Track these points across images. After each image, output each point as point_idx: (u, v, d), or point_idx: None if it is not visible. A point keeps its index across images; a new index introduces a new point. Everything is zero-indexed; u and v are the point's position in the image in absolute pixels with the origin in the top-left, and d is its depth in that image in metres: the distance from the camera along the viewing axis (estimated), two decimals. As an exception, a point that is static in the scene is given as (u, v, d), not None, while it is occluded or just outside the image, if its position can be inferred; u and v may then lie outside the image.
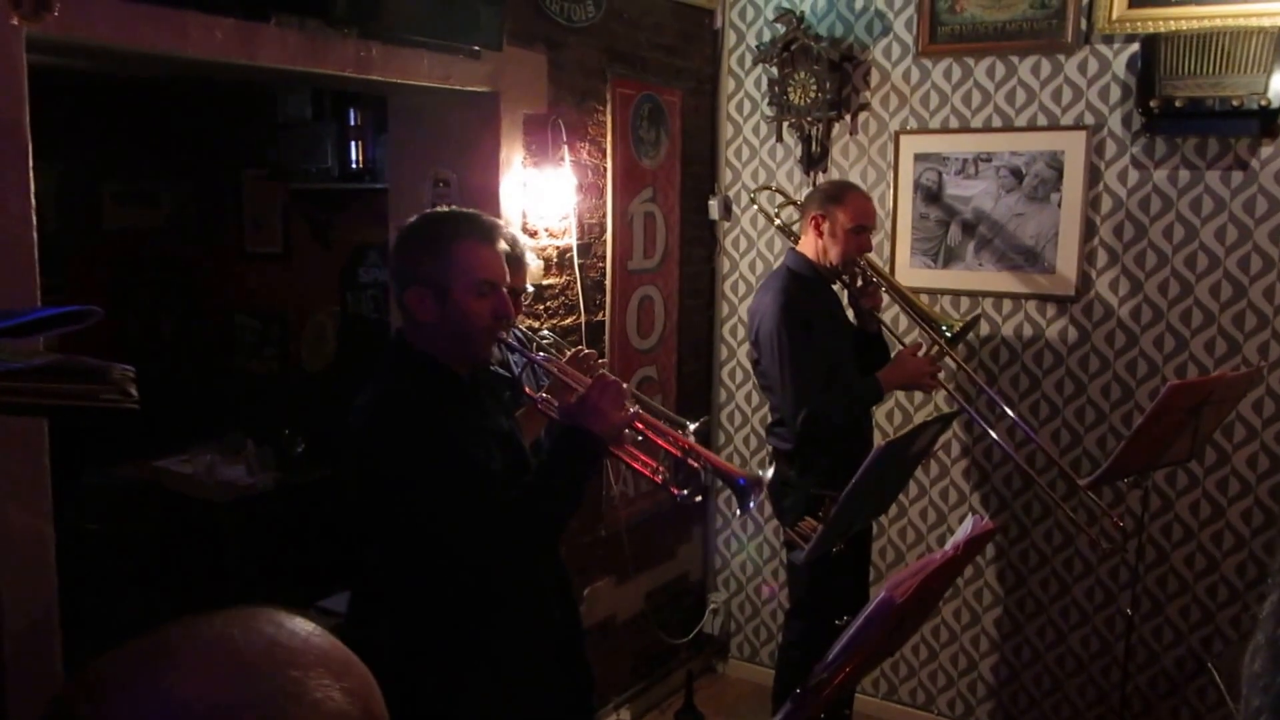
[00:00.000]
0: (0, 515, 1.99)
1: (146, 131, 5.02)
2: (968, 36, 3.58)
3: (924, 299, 3.43)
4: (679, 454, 2.18)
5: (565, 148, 3.30)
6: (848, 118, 3.82)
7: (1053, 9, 3.43)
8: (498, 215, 2.98)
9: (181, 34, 2.23)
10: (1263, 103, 3.01)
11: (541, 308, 3.31)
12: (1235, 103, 3.03)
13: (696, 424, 2.28)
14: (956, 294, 3.70)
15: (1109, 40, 3.37)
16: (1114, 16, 3.32)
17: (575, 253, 3.42)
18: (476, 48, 2.94)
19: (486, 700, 2.04)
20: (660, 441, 2.17)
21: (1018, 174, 3.55)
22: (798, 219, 3.39)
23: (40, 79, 2.05)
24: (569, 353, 2.52)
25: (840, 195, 3.19)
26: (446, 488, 1.93)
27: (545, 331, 3.10)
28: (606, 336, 3.61)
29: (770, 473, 2.30)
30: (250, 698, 0.62)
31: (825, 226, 3.17)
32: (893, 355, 3.29)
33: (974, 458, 3.75)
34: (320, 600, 3.63)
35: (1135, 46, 3.28)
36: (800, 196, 3.61)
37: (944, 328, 3.21)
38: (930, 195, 3.70)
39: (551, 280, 3.36)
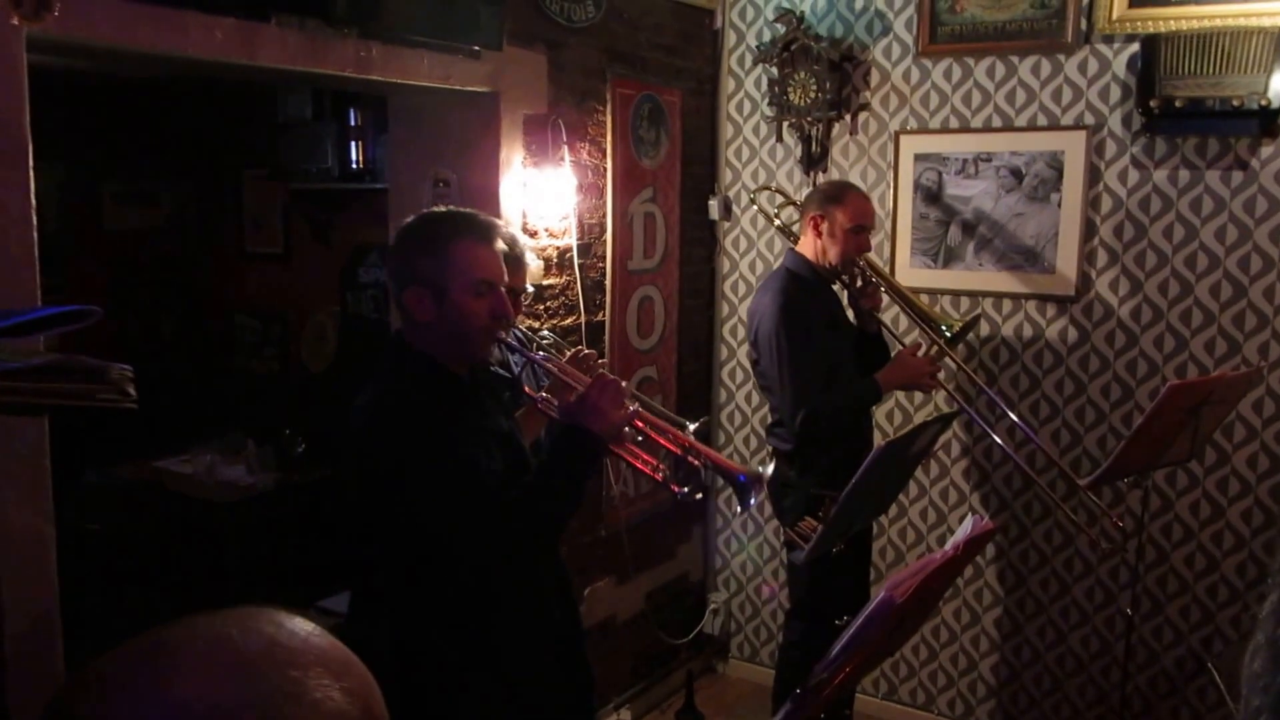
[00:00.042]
0: (1, 515, 1.99)
1: (146, 131, 5.02)
2: (968, 36, 3.58)
3: (924, 299, 3.43)
4: (679, 452, 2.18)
5: (565, 148, 3.30)
6: (848, 118, 3.82)
7: (1053, 9, 3.43)
8: (498, 215, 2.98)
9: (181, 34, 2.23)
10: (1263, 103, 3.01)
11: (541, 308, 3.31)
12: (1235, 103, 3.03)
13: (696, 424, 2.28)
14: (956, 294, 3.70)
15: (1109, 40, 3.37)
16: (1114, 16, 3.32)
17: (575, 253, 3.42)
18: (476, 48, 2.94)
19: (487, 700, 2.04)
20: (660, 440, 2.17)
21: (1018, 174, 3.55)
22: (798, 219, 3.39)
23: (40, 79, 2.05)
24: (569, 353, 2.52)
25: (839, 195, 3.19)
26: (446, 488, 1.93)
27: (545, 332, 3.10)
28: (606, 337, 3.61)
29: (770, 469, 2.30)
30: (250, 697, 0.62)
31: (824, 227, 3.17)
32: (893, 355, 3.29)
33: (974, 458, 3.75)
34: (320, 600, 3.63)
35: (1135, 46, 3.28)
36: (800, 197, 3.61)
37: (944, 328, 3.21)
38: (930, 195, 3.70)
39: (551, 280, 3.36)
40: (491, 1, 2.88)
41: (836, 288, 3.31)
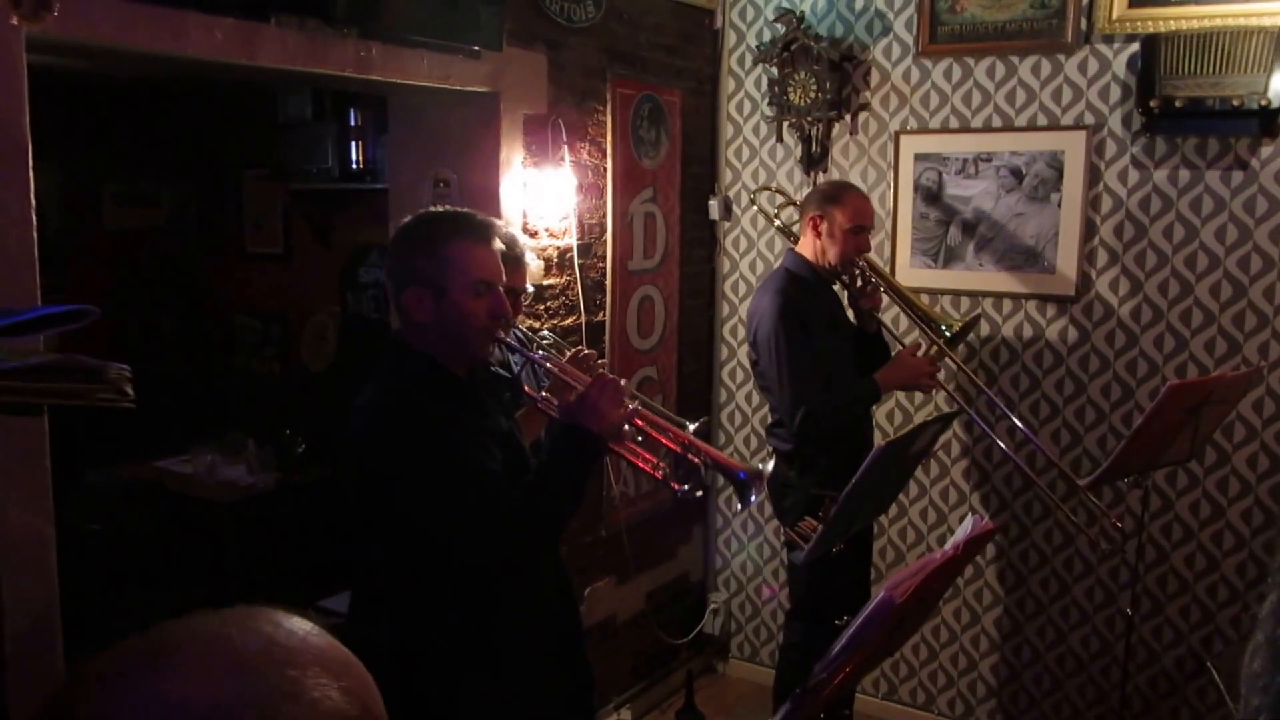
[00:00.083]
0: (1, 515, 1.99)
1: (146, 131, 5.02)
2: (968, 36, 3.58)
3: (924, 299, 3.43)
4: (679, 450, 2.18)
5: (565, 148, 3.31)
6: (848, 118, 3.82)
7: (1053, 9, 3.43)
8: (498, 215, 2.98)
9: (181, 34, 2.24)
10: (1263, 102, 3.01)
11: (542, 308, 3.31)
12: (1235, 103, 3.03)
13: (696, 424, 2.28)
14: (956, 294, 3.70)
15: (1109, 40, 3.37)
16: (1114, 16, 3.32)
17: (575, 253, 3.42)
18: (476, 48, 2.94)
19: (487, 700, 2.04)
20: (660, 438, 2.18)
21: (1018, 174, 3.55)
22: (798, 219, 3.39)
23: (40, 79, 2.05)
24: (569, 353, 2.52)
25: (838, 196, 3.19)
26: (446, 488, 1.93)
27: (545, 332, 3.10)
28: (607, 337, 3.61)
29: (770, 466, 2.30)
30: (248, 697, 0.62)
31: (823, 227, 3.17)
32: (893, 355, 3.29)
33: (974, 458, 3.75)
34: (320, 600, 3.63)
35: (1135, 46, 3.28)
36: (800, 197, 3.61)
37: (943, 327, 3.21)
38: (930, 195, 3.70)
39: (552, 280, 3.36)
40: (491, 1, 2.88)
41: (836, 288, 3.31)
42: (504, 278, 2.07)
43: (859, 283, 3.24)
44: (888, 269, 3.68)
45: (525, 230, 3.17)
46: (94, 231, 4.98)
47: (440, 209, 2.17)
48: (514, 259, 2.51)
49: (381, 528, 2.06)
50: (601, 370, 2.26)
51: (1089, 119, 3.42)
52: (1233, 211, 3.26)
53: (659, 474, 2.18)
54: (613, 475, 3.66)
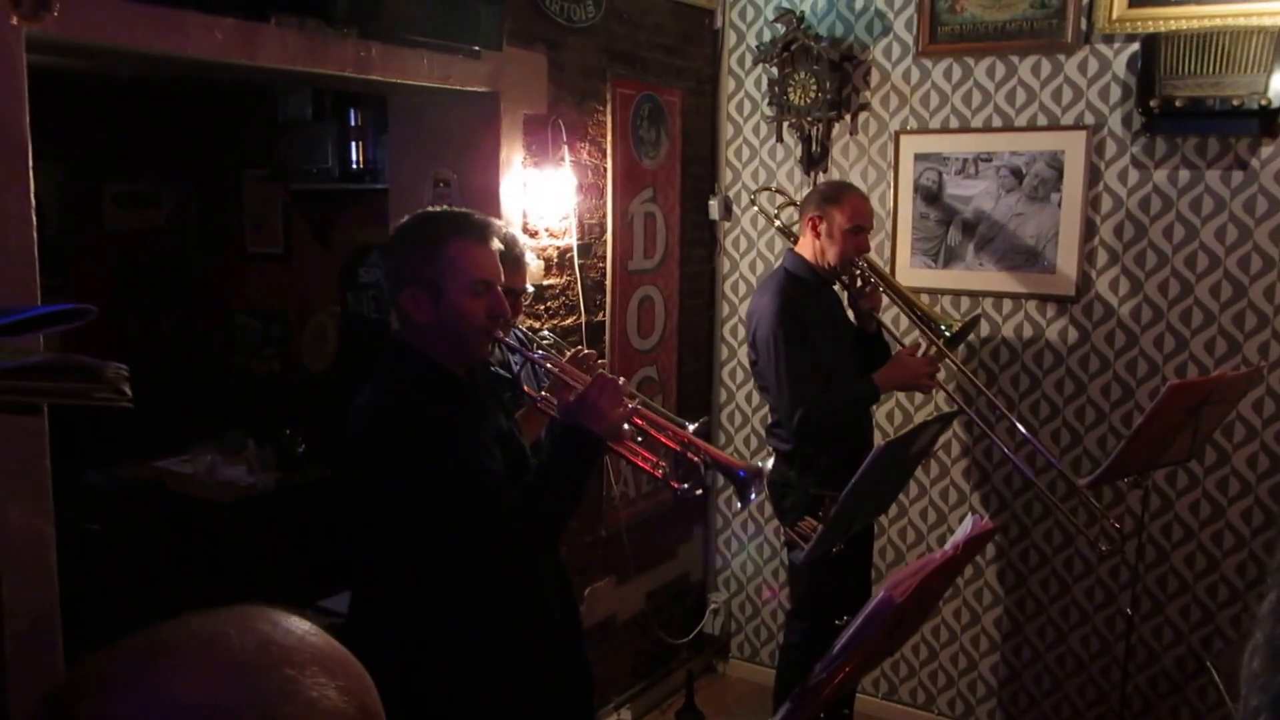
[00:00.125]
0: (1, 515, 2.00)
1: (146, 131, 5.02)
2: (968, 36, 3.57)
3: (924, 299, 3.43)
4: (678, 448, 2.18)
5: (565, 148, 3.31)
6: (848, 118, 3.82)
7: (1053, 9, 3.43)
8: (498, 215, 2.98)
9: (181, 34, 2.24)
10: (1263, 102, 3.01)
11: (542, 308, 3.31)
12: (1235, 102, 3.03)
13: (695, 425, 2.28)
14: (957, 294, 3.70)
15: (1109, 40, 3.37)
16: (1114, 16, 3.32)
17: (575, 253, 3.42)
18: (476, 48, 2.94)
19: (487, 700, 2.04)
20: (660, 437, 2.18)
21: (1018, 174, 3.55)
22: (798, 219, 3.39)
23: (40, 79, 2.05)
24: (569, 353, 2.52)
25: (837, 196, 3.19)
26: (446, 489, 1.93)
27: (545, 332, 3.10)
28: (607, 337, 3.61)
29: (770, 464, 2.30)
30: (246, 696, 0.62)
31: (822, 227, 3.17)
32: (893, 355, 3.29)
33: (974, 458, 3.75)
34: (320, 600, 3.63)
35: (1135, 46, 3.28)
36: (800, 197, 3.61)
37: (943, 328, 3.21)
38: (930, 195, 3.70)
39: (552, 280, 3.36)
40: (491, 1, 2.88)
41: (836, 288, 3.31)
42: (502, 278, 2.07)
43: (858, 283, 3.24)
44: (888, 269, 3.68)
45: (525, 230, 3.17)
46: (94, 231, 4.98)
47: (438, 209, 2.17)
48: (513, 259, 2.51)
49: (381, 528, 2.06)
50: (601, 370, 2.26)
51: (1089, 119, 3.42)
52: (1233, 211, 3.26)
53: (659, 473, 2.19)
54: (613, 475, 3.66)
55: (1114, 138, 3.40)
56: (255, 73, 2.56)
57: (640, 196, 3.73)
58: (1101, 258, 3.46)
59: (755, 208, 3.95)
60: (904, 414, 3.84)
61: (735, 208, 4.12)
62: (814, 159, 3.89)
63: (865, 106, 3.80)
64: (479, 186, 3.11)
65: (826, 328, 3.19)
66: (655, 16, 3.74)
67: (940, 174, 3.68)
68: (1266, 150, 3.19)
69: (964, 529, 1.76)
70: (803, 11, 3.81)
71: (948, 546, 1.70)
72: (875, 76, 3.77)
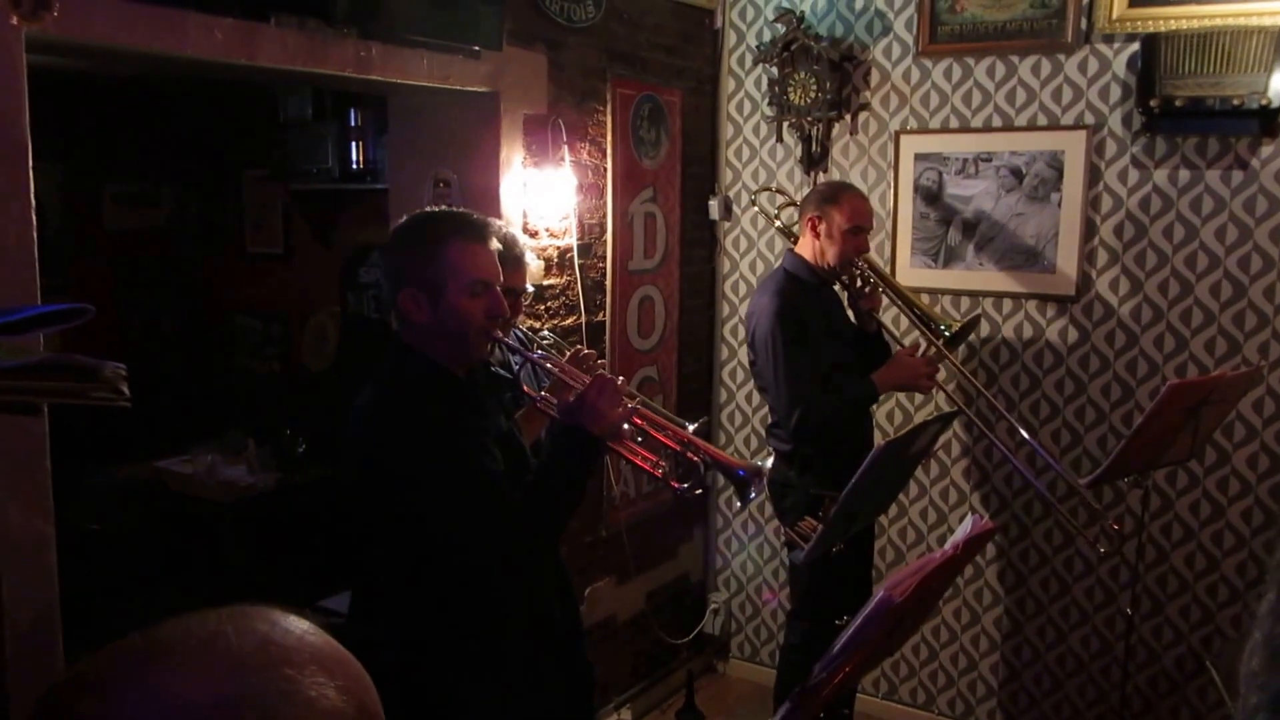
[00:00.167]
0: (1, 515, 2.00)
1: (146, 131, 5.02)
2: (968, 36, 3.57)
3: (924, 299, 3.43)
4: (678, 448, 2.18)
5: (565, 148, 3.31)
6: (848, 118, 3.82)
7: (1053, 8, 3.42)
8: (498, 215, 2.98)
9: (180, 34, 2.24)
10: (1263, 102, 3.01)
11: (542, 308, 3.31)
12: (1235, 102, 3.03)
13: (695, 425, 2.28)
14: (957, 294, 3.70)
15: (1109, 40, 3.37)
16: (1114, 16, 3.32)
17: (575, 253, 3.42)
18: (476, 48, 2.94)
19: (487, 700, 2.04)
20: (660, 436, 2.18)
21: (1018, 174, 3.55)
22: (798, 220, 3.39)
23: (40, 79, 2.05)
24: (569, 352, 2.52)
25: (836, 196, 3.19)
26: (446, 489, 1.93)
27: (545, 332, 3.10)
28: (607, 337, 3.61)
29: (770, 464, 2.31)
30: (245, 695, 0.62)
31: (822, 228, 3.17)
32: (892, 355, 3.29)
33: (974, 458, 3.75)
34: (320, 600, 3.63)
35: (1135, 46, 3.28)
36: (800, 197, 3.61)
37: (943, 328, 3.21)
38: (930, 195, 3.70)
39: (552, 280, 3.36)
40: (491, 1, 2.88)
41: (836, 288, 3.31)
42: (501, 278, 2.07)
43: (858, 283, 3.24)
44: (888, 269, 3.68)
45: (525, 230, 3.17)
46: (94, 231, 4.98)
47: (437, 209, 2.17)
48: (513, 259, 2.51)
49: (381, 528, 2.06)
50: (601, 370, 2.26)
51: (1089, 119, 3.42)
52: (1233, 211, 3.26)
53: (659, 473, 2.19)
54: (613, 475, 3.66)
55: (1114, 137, 3.40)
56: (255, 73, 2.56)
57: (640, 196, 3.73)
58: (1101, 258, 3.46)
59: (755, 208, 3.95)
60: (904, 414, 3.84)
61: (735, 208, 4.12)
62: (814, 159, 3.89)
63: (865, 106, 3.80)
64: (479, 186, 3.11)
65: (826, 328, 3.19)
66: (655, 16, 3.74)
67: (940, 174, 3.68)
68: (1266, 150, 3.19)
69: (964, 529, 1.76)
70: (803, 11, 3.81)
71: (948, 546, 1.70)
72: (875, 76, 3.77)
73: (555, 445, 2.05)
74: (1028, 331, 3.60)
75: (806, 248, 3.23)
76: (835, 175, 3.85)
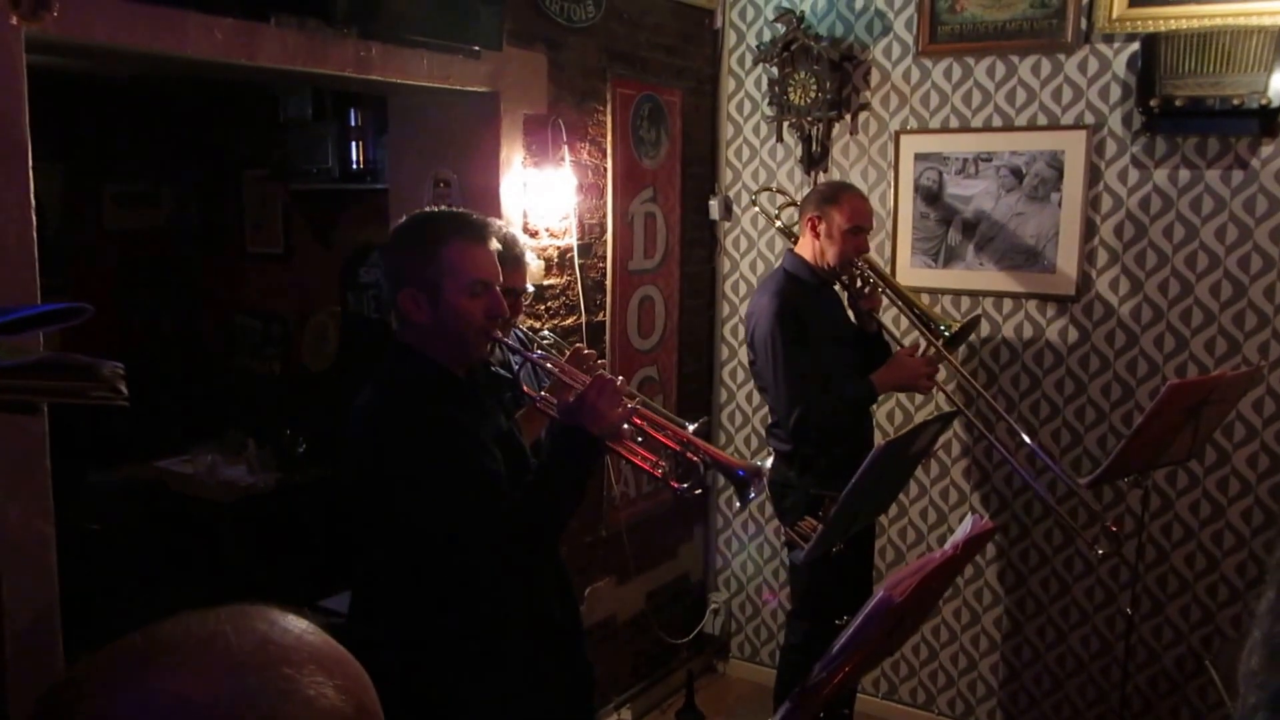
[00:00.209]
0: (1, 515, 2.00)
1: (146, 131, 5.03)
2: (968, 36, 3.57)
3: (924, 299, 3.43)
4: (678, 448, 2.18)
5: (565, 148, 3.31)
6: (848, 118, 3.82)
7: (1053, 8, 3.42)
8: (498, 215, 2.98)
9: (180, 34, 2.24)
10: (1263, 102, 3.01)
11: (542, 308, 3.31)
12: (1235, 102, 3.03)
13: (695, 425, 2.28)
14: (957, 294, 3.70)
15: (1109, 39, 3.37)
16: (1114, 16, 3.32)
17: (576, 253, 3.42)
18: (476, 48, 2.94)
19: (487, 700, 2.04)
20: (659, 436, 2.18)
21: (1018, 173, 3.55)
22: (798, 219, 3.39)
23: (40, 79, 2.05)
24: (569, 352, 2.52)
25: (836, 196, 3.19)
26: (446, 489, 1.93)
27: (546, 332, 3.11)
28: (607, 337, 3.61)
29: (769, 464, 2.31)
30: (243, 695, 0.62)
31: (821, 228, 3.17)
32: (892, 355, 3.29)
33: (974, 458, 3.75)
34: (320, 600, 3.63)
35: (1135, 46, 3.28)
36: (801, 197, 3.61)
37: (942, 328, 3.21)
38: (930, 195, 3.70)
39: (552, 280, 3.36)
40: (491, 1, 2.88)
41: (836, 288, 3.31)
42: (501, 278, 2.07)
43: (858, 283, 3.24)
44: (888, 269, 3.68)
45: (525, 230, 3.17)
46: (94, 231, 4.98)
47: (437, 209, 2.17)
48: (513, 259, 2.51)
49: (382, 528, 2.06)
50: (601, 370, 2.25)
51: (1089, 119, 3.42)
52: (1233, 211, 3.26)
53: (659, 473, 2.19)
54: (613, 475, 3.66)
55: (1114, 137, 3.40)
56: (255, 73, 2.56)
57: (640, 196, 3.73)
58: (1101, 257, 3.46)
59: (755, 208, 3.95)
60: (904, 414, 3.84)
61: (735, 208, 4.12)
62: (814, 159, 3.89)
63: (865, 106, 3.80)
64: (479, 186, 3.11)
65: (825, 328, 3.19)
66: (655, 16, 3.74)
67: (940, 174, 3.68)
68: (1266, 150, 3.19)
69: (964, 529, 1.76)
70: (803, 11, 3.81)
71: (947, 546, 1.70)
72: (875, 76, 3.77)
73: (555, 445, 2.05)
74: (1028, 331, 3.60)
75: (806, 248, 3.23)
76: (835, 175, 3.85)
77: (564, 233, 3.38)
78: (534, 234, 3.24)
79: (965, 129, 3.63)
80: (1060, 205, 3.49)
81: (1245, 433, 3.31)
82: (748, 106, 4.05)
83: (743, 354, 4.09)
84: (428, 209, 2.17)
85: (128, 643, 0.65)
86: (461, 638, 2.03)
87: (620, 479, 3.70)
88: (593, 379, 2.05)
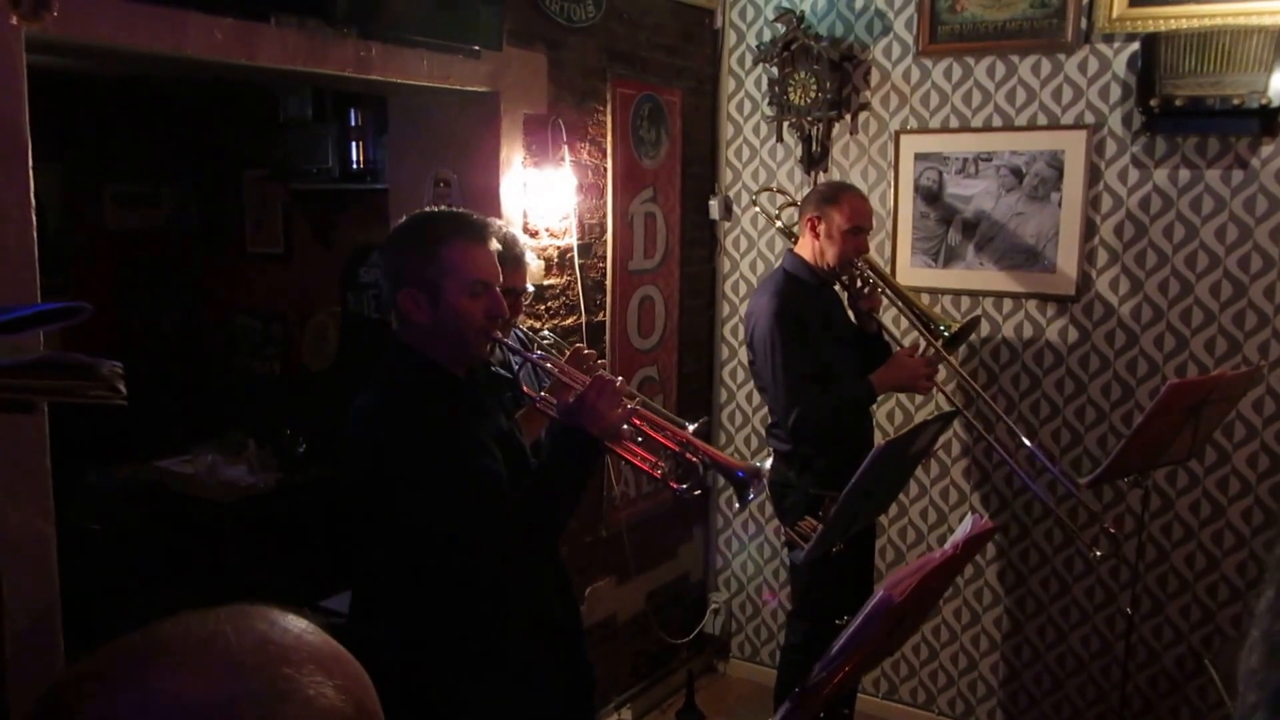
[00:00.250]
0: (1, 515, 2.00)
1: (146, 131, 5.02)
2: (968, 36, 3.57)
3: (924, 299, 3.43)
4: (677, 449, 2.18)
5: (565, 148, 3.31)
6: (848, 117, 3.82)
7: (1053, 8, 3.42)
8: (498, 215, 2.98)
9: (181, 34, 2.24)
10: (1263, 101, 3.01)
11: (542, 308, 3.31)
12: (1236, 102, 3.03)
13: (695, 425, 2.28)
14: (957, 294, 3.70)
15: (1109, 39, 3.37)
16: (1114, 15, 3.32)
17: (576, 253, 3.42)
18: (476, 48, 2.94)
19: (487, 700, 2.04)
20: (659, 437, 2.17)
21: (1018, 173, 3.55)
22: (798, 219, 3.39)
23: (40, 79, 2.05)
24: (569, 352, 2.52)
25: (835, 196, 3.19)
26: (446, 489, 1.93)
27: (546, 332, 3.11)
28: (607, 337, 3.61)
29: (769, 464, 2.31)
30: (242, 694, 0.62)
31: (821, 228, 3.17)
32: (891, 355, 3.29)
33: (974, 458, 3.75)
34: (320, 600, 3.63)
35: (1135, 45, 3.28)
36: (801, 197, 3.61)
37: (942, 328, 3.21)
38: (930, 195, 3.70)
39: (552, 280, 3.36)
40: (491, 1, 2.88)
41: (836, 288, 3.31)
42: (500, 278, 2.07)
43: (858, 283, 3.24)
44: (888, 269, 3.68)
45: (525, 230, 3.17)
46: (94, 231, 4.98)
47: (436, 209, 2.17)
48: (513, 259, 2.51)
49: (381, 528, 2.06)
50: (601, 370, 2.25)
51: (1089, 118, 3.42)
52: (1233, 211, 3.26)
53: (658, 473, 2.18)
54: (613, 475, 3.66)
55: (1114, 137, 3.40)
56: (255, 73, 2.56)
57: (640, 196, 3.73)
58: (1101, 257, 3.46)
59: (755, 208, 3.95)
60: (904, 414, 3.84)
61: (735, 208, 4.12)
62: (814, 159, 3.89)
63: (865, 106, 3.80)
64: (479, 186, 3.11)
65: (825, 328, 3.19)
66: (655, 16, 3.74)
67: (940, 174, 3.68)
68: (1266, 150, 3.19)
69: (964, 529, 1.76)
70: (803, 11, 3.81)
71: (947, 546, 1.70)
72: (875, 76, 3.77)
73: (555, 446, 2.05)
74: (1028, 331, 3.60)
75: (806, 248, 3.23)
76: (835, 175, 3.85)
77: (564, 233, 3.38)
78: (534, 234, 3.24)
79: (965, 129, 3.63)
80: (1060, 205, 3.49)
81: (1245, 432, 3.31)
82: (748, 106, 4.05)
83: (743, 354, 4.09)
84: (428, 209, 2.17)
85: (128, 643, 0.65)
86: (461, 638, 2.03)
87: (620, 479, 3.70)
88: (592, 379, 2.05)
